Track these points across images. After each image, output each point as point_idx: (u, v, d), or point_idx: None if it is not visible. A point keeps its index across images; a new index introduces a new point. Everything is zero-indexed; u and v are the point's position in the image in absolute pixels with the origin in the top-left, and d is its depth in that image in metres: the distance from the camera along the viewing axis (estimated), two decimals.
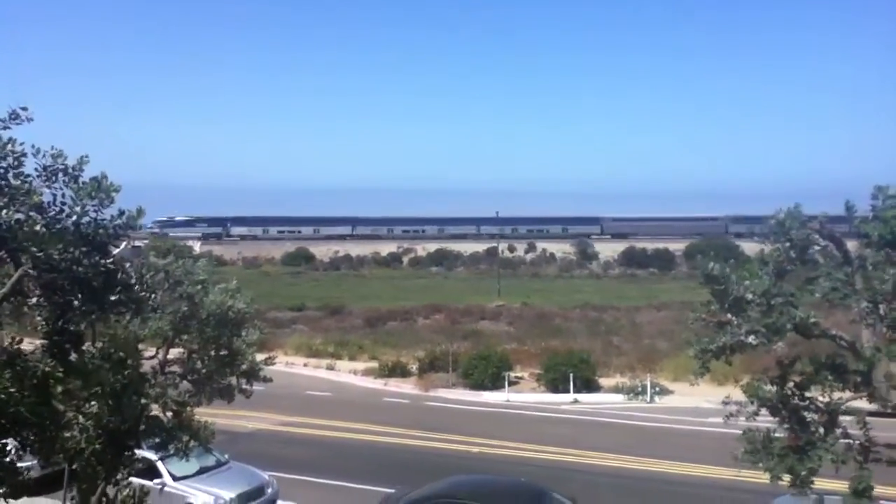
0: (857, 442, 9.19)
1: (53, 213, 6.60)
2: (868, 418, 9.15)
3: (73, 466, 8.48)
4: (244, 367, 15.10)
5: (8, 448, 6.77)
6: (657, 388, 29.35)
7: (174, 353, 15.41)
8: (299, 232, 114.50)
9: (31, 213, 6.42)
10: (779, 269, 9.18)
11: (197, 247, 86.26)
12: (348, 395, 30.84)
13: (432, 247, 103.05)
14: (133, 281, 7.25)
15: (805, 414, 9.30)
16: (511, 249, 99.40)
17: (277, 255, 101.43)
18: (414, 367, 33.79)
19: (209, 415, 12.63)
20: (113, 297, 6.99)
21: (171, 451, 11.06)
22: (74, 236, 6.63)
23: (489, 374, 30.80)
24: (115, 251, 7.15)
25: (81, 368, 7.17)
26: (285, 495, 17.56)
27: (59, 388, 6.99)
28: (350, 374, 34.91)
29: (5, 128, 6.43)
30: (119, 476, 8.76)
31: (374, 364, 35.20)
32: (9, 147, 6.37)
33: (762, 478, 9.62)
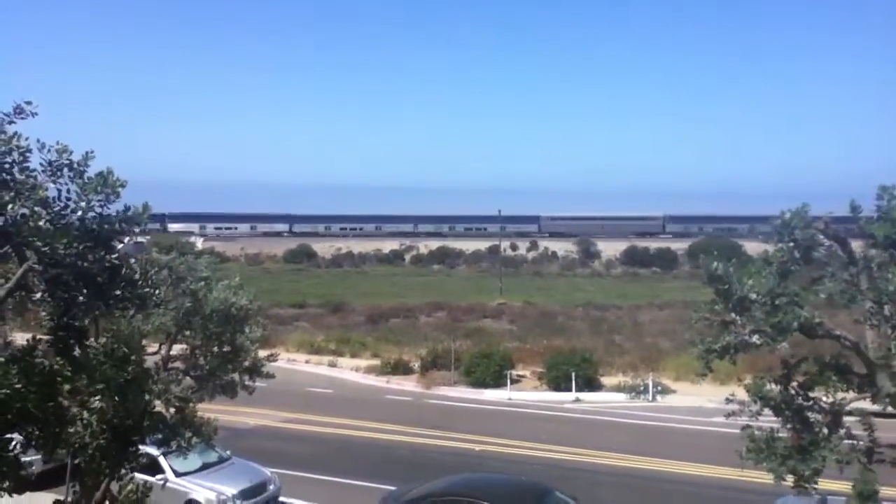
0: (861, 443, 9.17)
1: (58, 208, 6.57)
2: (871, 419, 9.13)
3: (77, 462, 8.49)
4: (247, 363, 15.12)
5: (13, 443, 6.77)
6: (659, 388, 29.31)
7: (177, 349, 15.42)
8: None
9: (37, 208, 6.39)
10: (783, 269, 9.15)
11: (199, 243, 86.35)
12: (350, 393, 30.85)
13: (434, 244, 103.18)
14: (137, 277, 7.24)
15: (809, 414, 9.28)
16: (513, 248, 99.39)
17: (279, 252, 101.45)
18: (416, 365, 33.79)
19: (211, 411, 12.64)
20: (117, 293, 6.98)
21: (174, 448, 11.07)
22: (79, 231, 6.60)
23: (491, 372, 30.79)
24: (119, 247, 7.14)
25: (86, 364, 7.17)
26: (287, 492, 17.58)
27: (66, 385, 6.98)
28: (352, 371, 34.92)
29: (10, 122, 6.42)
30: (122, 472, 8.75)
31: (376, 361, 35.20)
32: (14, 142, 6.36)
33: (764, 477, 9.61)
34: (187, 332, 14.94)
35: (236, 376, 15.08)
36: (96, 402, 7.68)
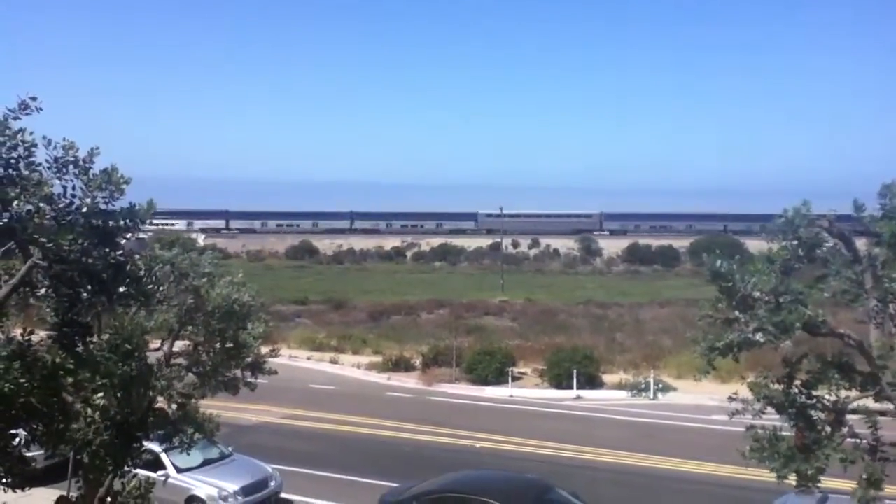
0: (865, 441, 9.16)
1: (63, 204, 6.58)
2: (876, 416, 9.12)
3: (80, 457, 8.50)
4: (249, 359, 15.11)
5: (17, 438, 6.78)
6: (660, 385, 29.29)
7: (179, 345, 15.41)
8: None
9: (42, 205, 6.40)
10: (786, 267, 9.13)
11: (201, 240, 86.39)
12: (351, 389, 30.87)
13: (436, 241, 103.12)
14: (142, 273, 7.24)
15: (812, 413, 9.26)
16: (515, 245, 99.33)
17: (281, 249, 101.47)
18: (417, 362, 33.80)
19: (213, 407, 12.67)
20: (121, 290, 6.98)
21: (176, 444, 11.09)
22: (84, 228, 6.61)
23: (492, 369, 30.80)
24: (123, 243, 7.14)
25: (89, 360, 7.17)
26: (288, 488, 17.60)
27: (69, 380, 6.99)
28: (353, 367, 34.92)
29: (16, 118, 6.41)
30: (126, 468, 8.77)
31: (378, 358, 35.20)
32: (19, 137, 6.35)
33: (766, 475, 9.60)
34: (190, 329, 14.93)
35: (239, 373, 15.09)
36: (100, 398, 7.69)
